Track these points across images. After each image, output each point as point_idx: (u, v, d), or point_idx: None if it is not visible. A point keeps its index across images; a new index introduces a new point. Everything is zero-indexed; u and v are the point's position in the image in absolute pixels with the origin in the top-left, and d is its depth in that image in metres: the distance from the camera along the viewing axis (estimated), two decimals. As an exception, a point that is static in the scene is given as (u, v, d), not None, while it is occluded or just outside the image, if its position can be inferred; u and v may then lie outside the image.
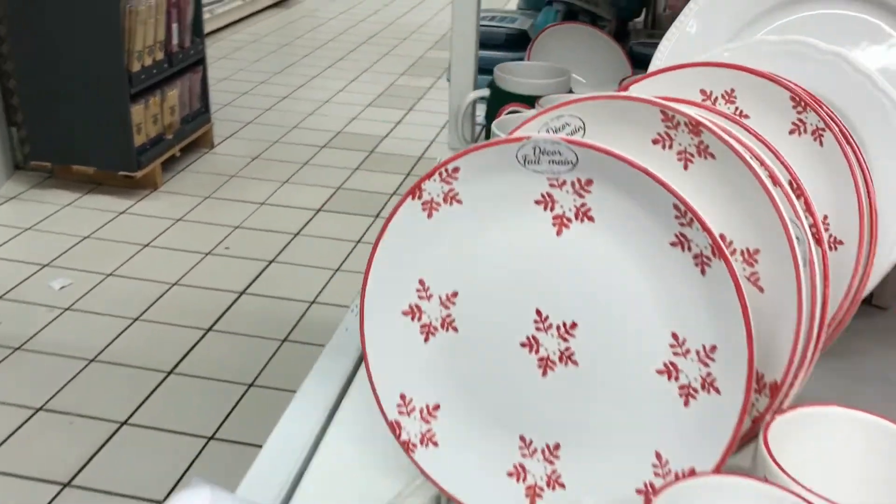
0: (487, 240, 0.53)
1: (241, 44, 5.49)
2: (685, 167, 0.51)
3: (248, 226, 3.16)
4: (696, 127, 0.49)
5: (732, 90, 0.62)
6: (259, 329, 2.53)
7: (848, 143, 0.56)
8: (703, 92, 0.63)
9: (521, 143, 0.49)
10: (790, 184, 0.52)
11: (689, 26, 0.84)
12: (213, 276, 2.80)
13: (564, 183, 0.49)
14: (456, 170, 0.52)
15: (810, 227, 0.50)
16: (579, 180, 0.49)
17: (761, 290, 0.49)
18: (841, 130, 0.56)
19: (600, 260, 0.49)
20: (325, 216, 3.28)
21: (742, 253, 0.50)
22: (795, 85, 0.59)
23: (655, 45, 1.38)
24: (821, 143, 0.58)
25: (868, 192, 0.56)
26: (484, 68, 1.24)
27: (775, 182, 0.49)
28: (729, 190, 0.49)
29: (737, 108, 0.62)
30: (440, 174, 0.52)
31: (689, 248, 0.47)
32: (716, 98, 0.63)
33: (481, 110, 1.22)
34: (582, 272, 0.50)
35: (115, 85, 3.08)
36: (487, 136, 1.20)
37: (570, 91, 1.15)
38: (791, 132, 0.59)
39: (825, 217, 0.57)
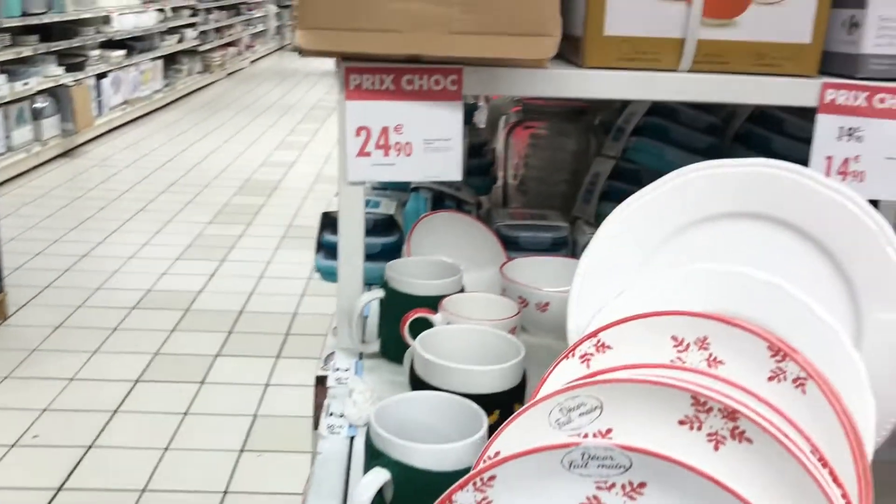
0: (524, 545, 0.49)
1: (27, 199, 5.11)
2: (716, 448, 0.50)
3: (57, 407, 2.84)
4: (731, 413, 0.49)
5: (705, 337, 0.63)
6: (84, 532, 2.25)
7: (832, 392, 0.59)
8: (674, 338, 0.64)
9: (568, 450, 0.47)
10: (812, 452, 0.53)
11: (604, 247, 0.87)
12: (22, 472, 2.47)
13: (613, 486, 0.47)
14: (492, 478, 0.48)
15: (841, 496, 0.51)
16: (631, 483, 0.47)
17: (809, 573, 0.49)
18: (823, 380, 0.59)
19: (657, 564, 0.47)
20: (144, 387, 3.03)
21: (786, 535, 0.49)
22: (770, 334, 0.61)
23: (520, 227, 1.43)
24: (803, 391, 0.60)
25: (857, 440, 0.59)
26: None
27: (808, 459, 0.49)
28: (767, 472, 0.49)
29: (710, 355, 0.63)
30: (474, 484, 0.48)
31: (759, 552, 0.45)
32: (688, 345, 0.64)
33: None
34: (638, 577, 0.47)
35: None
36: (381, 335, 1.16)
37: (463, 288, 1.15)
38: (770, 379, 0.61)
39: (827, 470, 0.59)
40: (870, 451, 0.65)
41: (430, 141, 1.10)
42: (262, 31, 13.46)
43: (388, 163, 1.10)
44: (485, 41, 1.00)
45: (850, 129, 1.07)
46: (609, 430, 0.52)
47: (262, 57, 13.27)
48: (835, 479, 0.53)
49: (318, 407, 1.35)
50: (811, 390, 0.60)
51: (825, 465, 0.53)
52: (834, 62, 1.09)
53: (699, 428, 0.50)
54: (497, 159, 1.72)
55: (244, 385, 3.09)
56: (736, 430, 0.50)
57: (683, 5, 1.04)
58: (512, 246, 1.38)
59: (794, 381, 0.60)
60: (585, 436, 0.51)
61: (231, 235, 4.73)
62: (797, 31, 1.06)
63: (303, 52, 1.06)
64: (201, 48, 9.83)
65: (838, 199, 0.79)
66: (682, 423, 0.51)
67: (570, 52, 1.11)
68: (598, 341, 0.65)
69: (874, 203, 1.30)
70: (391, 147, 1.10)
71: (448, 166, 1.11)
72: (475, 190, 1.57)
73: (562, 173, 1.68)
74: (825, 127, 1.07)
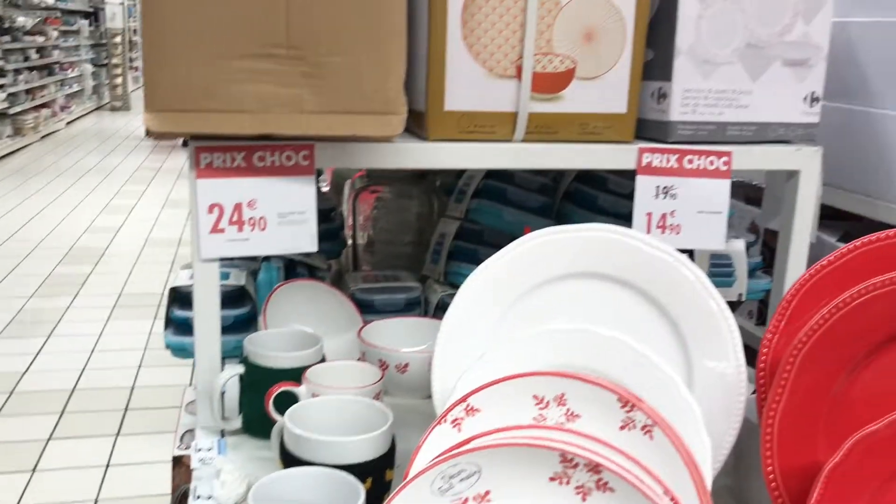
0: None
1: None
2: (583, 499, 0.56)
3: None
4: (595, 467, 0.55)
5: (563, 394, 0.69)
6: None
7: (676, 436, 0.66)
8: (535, 397, 0.70)
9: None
10: (664, 493, 0.59)
11: (463, 310, 0.92)
12: None
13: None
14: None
15: (690, 531, 0.57)
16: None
17: None
18: (667, 425, 0.66)
19: None
20: (-34, 483, 2.79)
21: (649, 571, 0.55)
22: (619, 387, 0.68)
23: (374, 290, 1.47)
24: (651, 437, 0.67)
25: (699, 476, 0.66)
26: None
27: (662, 500, 0.56)
28: (628, 516, 0.55)
29: (568, 410, 0.69)
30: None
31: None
32: (548, 402, 0.70)
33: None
34: None
35: None
36: (243, 410, 1.15)
37: (324, 357, 1.17)
38: (622, 428, 0.68)
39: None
40: (708, 483, 0.73)
41: (285, 214, 1.12)
42: (78, 91, 12.86)
43: (242, 238, 1.11)
44: (334, 120, 1.04)
45: (665, 187, 1.20)
46: (487, 493, 0.56)
47: (80, 118, 12.66)
48: (684, 516, 0.60)
49: (177, 488, 1.32)
50: (658, 436, 0.67)
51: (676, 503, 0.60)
52: (648, 129, 1.22)
53: (568, 482, 0.56)
54: (345, 223, 1.76)
55: (82, 468, 2.91)
56: (600, 482, 0.55)
57: (514, 82, 1.13)
58: (367, 309, 1.42)
59: (643, 428, 0.68)
60: (466, 500, 0.55)
61: (57, 308, 4.46)
62: (614, 102, 1.17)
63: (150, 134, 1.06)
64: (11, 111, 9.26)
65: (666, 258, 0.88)
66: (552, 479, 0.56)
67: (415, 125, 1.18)
68: (468, 405, 0.70)
69: (690, 252, 1.44)
70: (245, 222, 1.11)
71: (303, 239, 1.14)
72: (325, 255, 1.60)
73: (408, 234, 1.74)
74: (644, 187, 1.19)
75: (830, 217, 1.62)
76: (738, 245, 1.44)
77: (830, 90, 1.48)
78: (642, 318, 0.89)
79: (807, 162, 1.25)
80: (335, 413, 0.97)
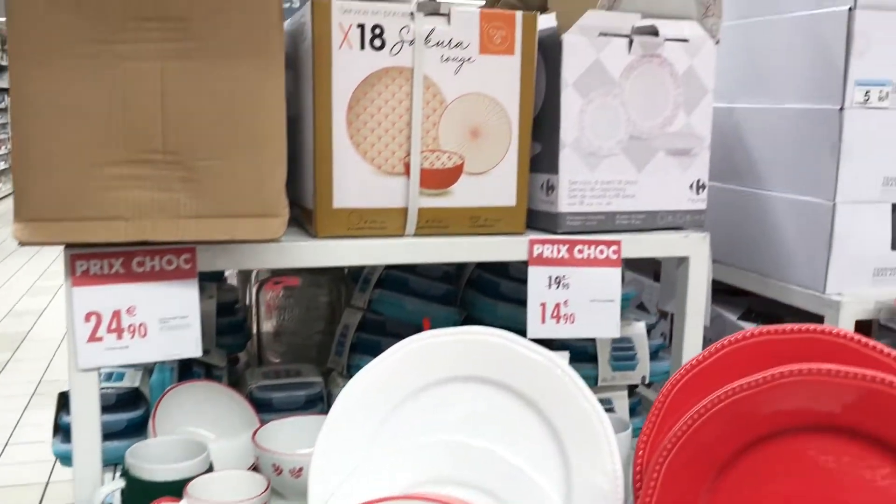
0: None
1: None
2: None
3: None
4: None
5: (424, 520, 0.67)
6: None
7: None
8: (396, 524, 0.68)
9: None
10: None
11: (341, 420, 0.90)
12: None
13: None
14: None
15: None
16: None
17: None
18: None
19: None
20: None
21: None
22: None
23: (273, 388, 1.43)
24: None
25: None
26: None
27: None
28: None
29: (429, 537, 0.67)
30: None
31: None
32: (409, 527, 0.67)
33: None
34: None
35: None
36: (126, 527, 1.10)
37: (211, 466, 1.12)
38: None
39: None
40: None
41: (166, 320, 1.09)
42: (5, 169, 12.59)
43: (121, 346, 1.07)
44: (213, 224, 1.02)
45: (557, 277, 1.20)
46: None
47: (8, 196, 12.37)
48: None
49: None
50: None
51: None
52: (539, 220, 1.23)
53: None
54: (249, 315, 1.72)
55: (-13, 576, 2.74)
56: None
57: (403, 179, 1.13)
58: (265, 408, 1.38)
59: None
60: None
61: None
62: (503, 196, 1.18)
63: (23, 244, 1.02)
64: (-68, 191, 9.00)
65: (540, 360, 0.88)
66: None
67: (305, 221, 1.17)
68: (326, 534, 0.67)
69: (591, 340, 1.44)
70: (125, 330, 1.07)
71: (186, 344, 1.10)
72: (228, 350, 1.56)
73: (317, 324, 1.71)
74: (536, 277, 1.20)
75: (733, 293, 1.66)
76: (639, 328, 1.45)
77: (722, 172, 1.53)
78: (522, 421, 0.87)
79: (695, 247, 1.27)
80: (213, 531, 0.93)
